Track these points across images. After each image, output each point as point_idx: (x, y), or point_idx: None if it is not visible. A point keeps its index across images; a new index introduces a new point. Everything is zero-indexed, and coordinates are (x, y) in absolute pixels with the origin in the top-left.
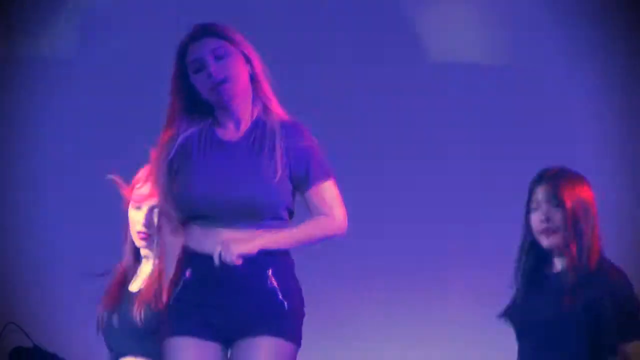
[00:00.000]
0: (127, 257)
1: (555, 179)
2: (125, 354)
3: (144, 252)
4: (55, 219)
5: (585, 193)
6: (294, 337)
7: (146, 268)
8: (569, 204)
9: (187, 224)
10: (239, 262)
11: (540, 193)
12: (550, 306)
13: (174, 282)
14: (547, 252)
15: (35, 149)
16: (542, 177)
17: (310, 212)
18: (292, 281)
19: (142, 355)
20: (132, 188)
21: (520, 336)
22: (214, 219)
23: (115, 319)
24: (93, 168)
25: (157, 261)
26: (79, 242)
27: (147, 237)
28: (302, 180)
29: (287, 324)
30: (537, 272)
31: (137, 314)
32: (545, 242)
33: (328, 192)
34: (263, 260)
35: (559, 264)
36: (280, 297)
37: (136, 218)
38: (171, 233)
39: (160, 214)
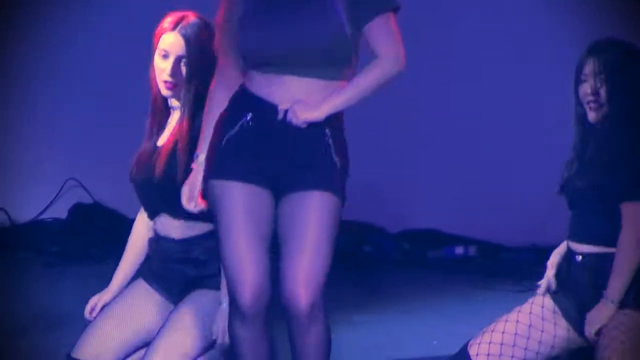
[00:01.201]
0: (155, 110)
1: (606, 52)
2: (153, 210)
3: (171, 103)
4: (114, 68)
5: (637, 67)
6: (343, 194)
7: (173, 119)
8: (617, 78)
9: (248, 70)
10: (305, 125)
11: (589, 65)
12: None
13: (228, 122)
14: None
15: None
16: (592, 49)
17: (371, 49)
18: (344, 145)
19: (167, 211)
20: (159, 35)
21: (573, 205)
22: (279, 66)
23: (141, 173)
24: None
25: (184, 110)
26: (143, 99)
27: (174, 87)
28: (361, 14)
29: (336, 180)
30: (586, 147)
31: (159, 166)
32: (590, 115)
33: (385, 26)
34: (322, 119)
35: None
36: (334, 155)
37: (162, 66)
38: (232, 68)
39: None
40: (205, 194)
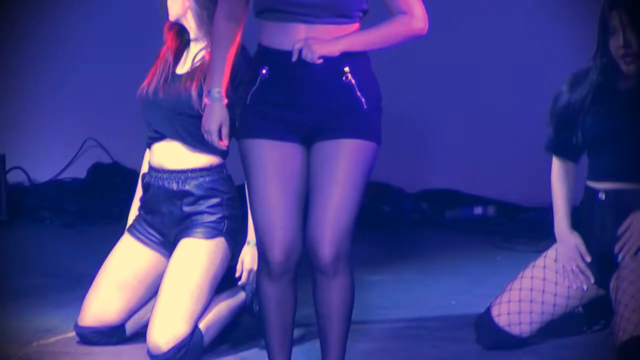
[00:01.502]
0: (171, 39)
1: (628, 2)
2: (162, 134)
3: (193, 34)
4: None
5: None
6: (374, 135)
7: (195, 49)
8: None
9: (259, 19)
10: (320, 62)
11: (616, 17)
12: (624, 118)
13: (250, 80)
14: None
15: None
16: (614, 2)
17: (389, 11)
18: (370, 77)
19: (179, 137)
20: None
21: (593, 149)
22: (290, 14)
23: (158, 99)
24: None
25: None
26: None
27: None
28: None
29: (366, 123)
30: (607, 90)
31: (194, 93)
32: (625, 67)
33: None
34: (340, 57)
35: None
36: (358, 93)
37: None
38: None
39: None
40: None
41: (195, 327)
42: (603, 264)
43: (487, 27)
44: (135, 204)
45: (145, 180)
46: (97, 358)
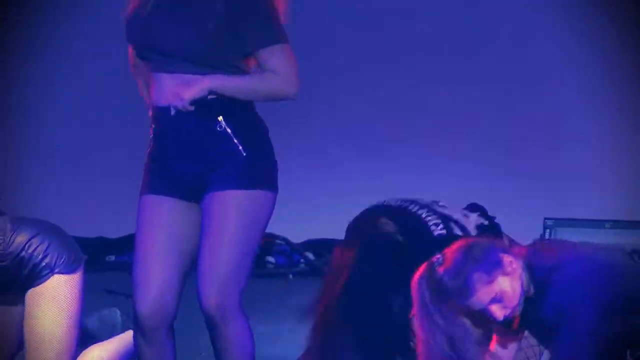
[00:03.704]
0: None
1: None
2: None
3: None
4: None
5: None
6: (259, 183)
7: None
8: None
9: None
10: (191, 108)
11: None
12: None
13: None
14: None
15: None
16: None
17: (265, 68)
18: (250, 122)
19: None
20: None
21: None
22: (154, 64)
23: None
24: None
25: None
26: None
27: None
28: (245, 41)
29: (246, 171)
30: None
31: None
32: None
33: (276, 56)
34: (213, 107)
35: None
36: (235, 141)
37: None
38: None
39: None
40: None
41: None
42: None
43: None
44: None
45: None
46: None
